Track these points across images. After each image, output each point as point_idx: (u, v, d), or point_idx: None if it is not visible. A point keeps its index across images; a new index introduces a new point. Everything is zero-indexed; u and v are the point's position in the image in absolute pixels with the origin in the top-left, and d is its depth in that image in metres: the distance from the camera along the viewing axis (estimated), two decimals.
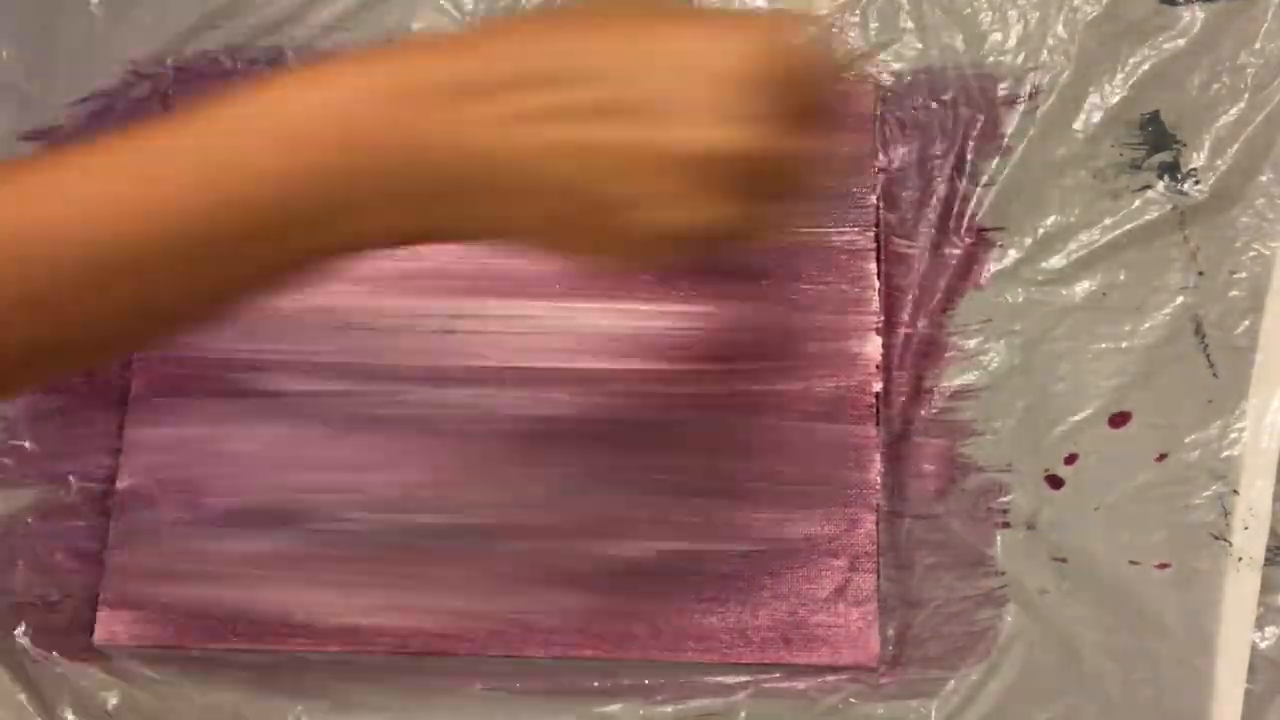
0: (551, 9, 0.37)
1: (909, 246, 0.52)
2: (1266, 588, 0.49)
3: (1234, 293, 0.51)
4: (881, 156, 0.53)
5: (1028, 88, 0.53)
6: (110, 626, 0.49)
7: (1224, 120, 0.53)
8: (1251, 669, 0.48)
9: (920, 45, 0.54)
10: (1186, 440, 0.50)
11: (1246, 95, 0.53)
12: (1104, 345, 0.51)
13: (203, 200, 0.33)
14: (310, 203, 0.33)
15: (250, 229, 0.33)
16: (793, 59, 0.35)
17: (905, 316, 0.52)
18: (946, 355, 0.51)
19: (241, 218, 0.33)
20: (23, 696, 0.49)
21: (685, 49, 0.34)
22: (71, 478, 0.51)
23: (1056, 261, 0.52)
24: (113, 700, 0.49)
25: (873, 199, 0.52)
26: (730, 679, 0.49)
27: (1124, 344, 0.51)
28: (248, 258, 0.34)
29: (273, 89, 0.33)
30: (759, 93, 0.33)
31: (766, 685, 0.48)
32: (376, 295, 0.52)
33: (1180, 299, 0.51)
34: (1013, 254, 0.52)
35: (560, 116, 0.33)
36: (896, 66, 0.54)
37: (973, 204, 0.53)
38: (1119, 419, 0.50)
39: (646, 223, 0.34)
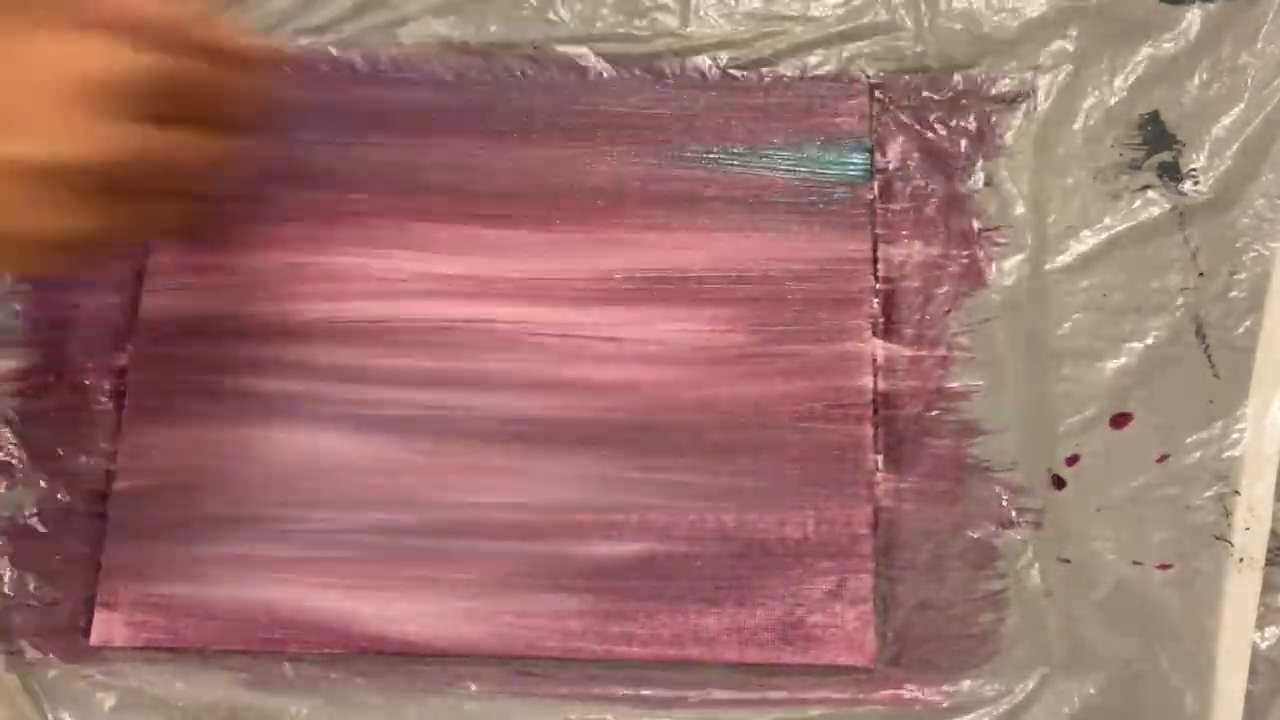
0: None
1: (909, 246, 0.52)
2: (1267, 588, 0.49)
3: (1234, 293, 0.51)
4: (880, 156, 0.53)
5: (1027, 87, 0.54)
6: (107, 628, 0.49)
7: (1224, 120, 0.53)
8: (1251, 669, 0.48)
9: (919, 44, 0.54)
10: (1187, 441, 0.50)
11: (1247, 95, 0.53)
12: (1105, 345, 0.51)
13: None
14: None
15: None
16: (164, 60, 0.36)
17: (906, 317, 0.52)
18: (948, 355, 0.51)
19: None
20: (21, 697, 0.48)
21: (30, 58, 0.36)
22: (68, 479, 0.51)
23: (1057, 261, 0.52)
24: (110, 701, 0.48)
25: (871, 198, 0.52)
26: (728, 679, 0.48)
27: (1125, 344, 0.51)
28: None
29: None
30: (110, 99, 0.35)
31: (764, 685, 0.48)
32: (374, 298, 0.52)
33: (1181, 299, 0.51)
34: (1013, 254, 0.52)
35: None
36: (895, 65, 0.54)
37: (972, 204, 0.53)
38: (1120, 419, 0.50)
39: (5, 229, 0.36)
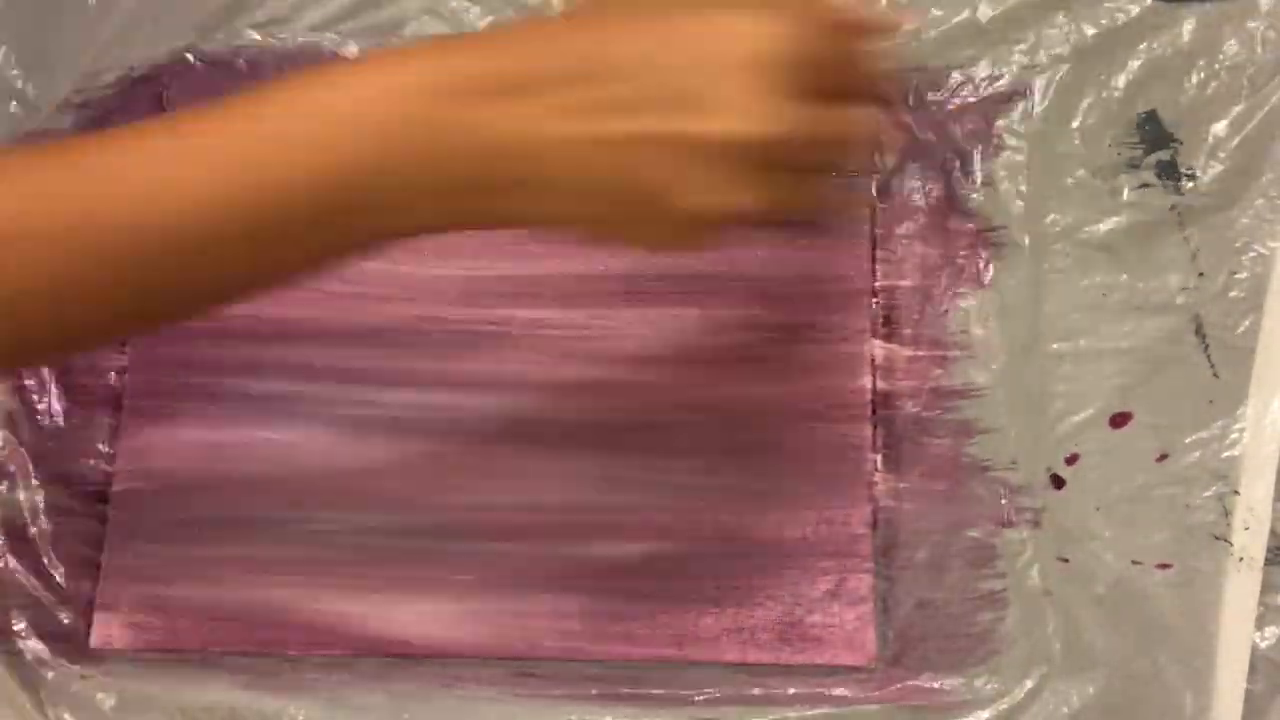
0: (576, 7, 0.38)
1: (907, 246, 0.52)
2: (1267, 588, 0.49)
3: (1234, 293, 0.51)
4: (878, 156, 0.53)
5: (1025, 86, 0.53)
6: (107, 629, 0.49)
7: (1223, 119, 0.53)
8: (1251, 669, 0.48)
9: (918, 44, 0.54)
10: (1187, 440, 0.50)
11: (1245, 94, 0.53)
12: (1104, 345, 0.51)
13: (241, 194, 0.34)
14: (342, 199, 0.34)
15: (284, 221, 0.34)
16: (819, 38, 0.36)
17: (905, 317, 0.52)
18: (947, 355, 0.51)
19: (275, 212, 0.34)
20: (21, 698, 0.48)
21: (708, 37, 0.35)
22: (68, 480, 0.51)
23: (1056, 261, 0.52)
24: (110, 702, 0.48)
25: (870, 198, 0.52)
26: (727, 679, 0.48)
27: (1124, 344, 0.51)
28: (282, 247, 0.35)
29: (310, 85, 0.35)
30: (781, 76, 0.35)
31: (764, 685, 0.48)
32: (372, 300, 0.52)
33: (1180, 299, 0.51)
34: (1012, 254, 0.52)
35: (592, 112, 0.34)
36: (893, 64, 0.54)
37: (971, 204, 0.53)
38: (1120, 419, 0.50)
39: (682, 209, 0.35)
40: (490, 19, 0.55)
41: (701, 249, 0.38)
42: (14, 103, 0.54)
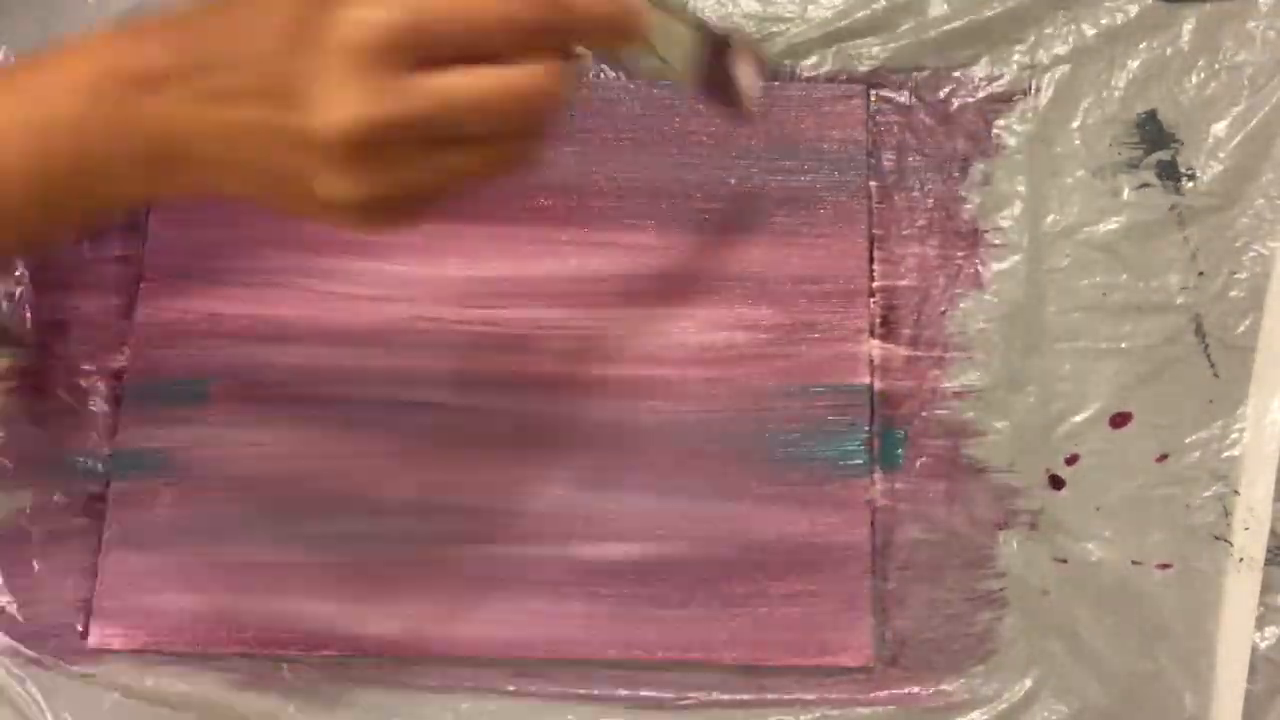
0: None
1: (906, 247, 0.52)
2: (1266, 588, 0.48)
3: (1234, 293, 0.51)
4: (877, 156, 0.53)
5: (1025, 86, 0.53)
6: (105, 630, 0.49)
7: (1222, 119, 0.53)
8: (1251, 669, 0.48)
9: (916, 43, 0.54)
10: (1187, 440, 0.50)
11: (1245, 94, 0.53)
12: (1104, 345, 0.51)
13: None
14: (63, 169, 0.37)
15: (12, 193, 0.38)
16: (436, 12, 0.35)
17: (903, 317, 0.52)
18: (946, 356, 0.51)
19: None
20: (21, 698, 0.48)
21: (303, 22, 0.35)
22: (66, 481, 0.51)
23: (1055, 261, 0.52)
24: (109, 702, 0.48)
25: (868, 199, 0.52)
26: (728, 680, 0.48)
27: (1124, 344, 0.51)
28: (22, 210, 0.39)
29: (30, 70, 0.38)
30: (383, 55, 0.34)
31: (764, 686, 0.48)
32: (371, 301, 0.52)
33: (1180, 299, 0.51)
34: (1010, 254, 0.52)
35: (211, 100, 0.36)
36: (892, 65, 0.54)
37: (970, 204, 0.53)
38: (1120, 419, 0.50)
39: (316, 194, 0.36)
40: None
41: (388, 229, 0.37)
42: None
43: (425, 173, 0.36)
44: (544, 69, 0.36)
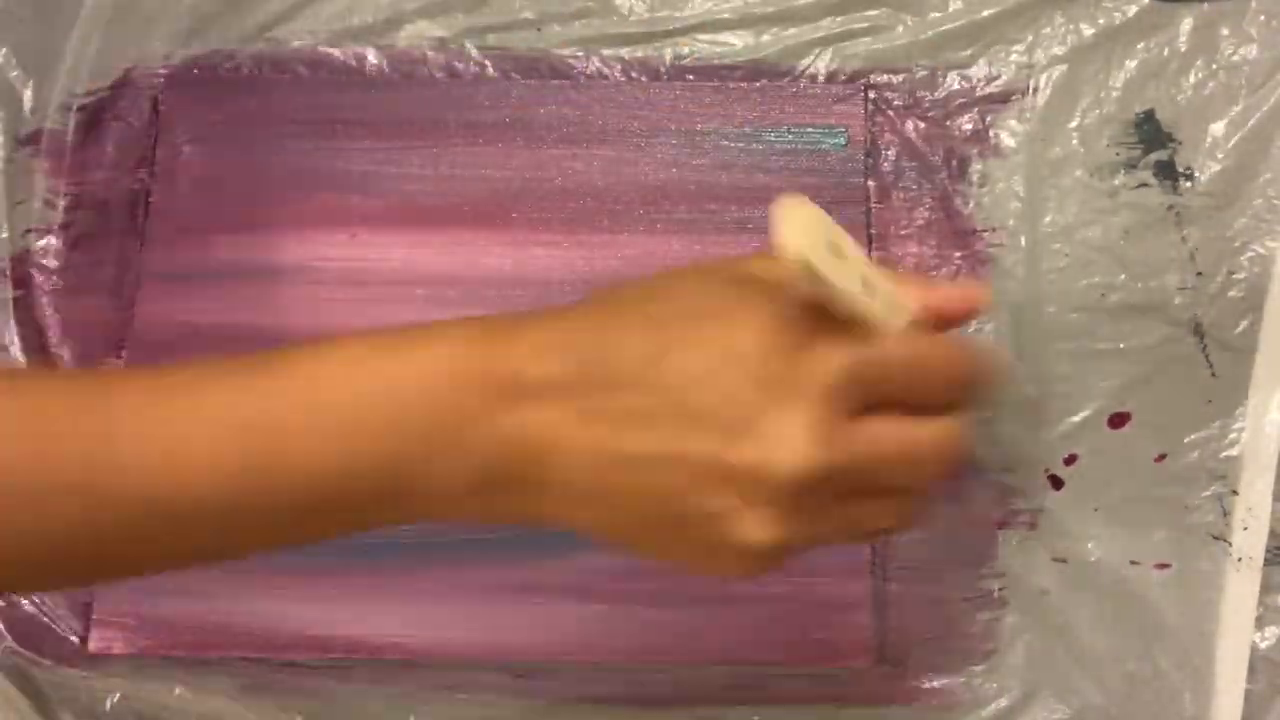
0: (605, 297, 0.34)
1: (904, 247, 0.52)
2: (1266, 588, 0.49)
3: (1232, 293, 0.51)
4: (875, 156, 0.53)
5: (1023, 86, 0.53)
6: (105, 635, 0.49)
7: (1220, 119, 0.52)
8: (1251, 669, 0.48)
9: (914, 43, 0.54)
10: (1186, 440, 0.50)
11: (1243, 94, 0.53)
12: (1103, 345, 0.51)
13: (254, 477, 0.32)
14: (373, 483, 0.32)
15: (301, 504, 0.32)
16: (879, 358, 0.32)
17: None
18: None
19: (290, 497, 0.32)
20: (22, 702, 0.48)
21: (744, 347, 0.31)
22: None
23: (1054, 261, 0.52)
24: (109, 705, 0.48)
25: (866, 198, 0.52)
26: (727, 680, 0.48)
27: (1123, 344, 0.51)
28: (299, 523, 0.33)
29: (332, 364, 0.33)
30: (847, 402, 0.31)
31: (764, 685, 0.48)
32: (369, 301, 0.52)
33: (1179, 299, 0.51)
34: (1009, 254, 0.52)
35: (609, 422, 0.32)
36: (890, 66, 0.54)
37: (969, 205, 0.53)
38: (1119, 419, 0.50)
39: (731, 535, 0.32)
40: (482, 17, 0.55)
41: (749, 576, 0.34)
42: (13, 103, 0.54)
43: (838, 520, 0.33)
44: (961, 425, 0.34)
